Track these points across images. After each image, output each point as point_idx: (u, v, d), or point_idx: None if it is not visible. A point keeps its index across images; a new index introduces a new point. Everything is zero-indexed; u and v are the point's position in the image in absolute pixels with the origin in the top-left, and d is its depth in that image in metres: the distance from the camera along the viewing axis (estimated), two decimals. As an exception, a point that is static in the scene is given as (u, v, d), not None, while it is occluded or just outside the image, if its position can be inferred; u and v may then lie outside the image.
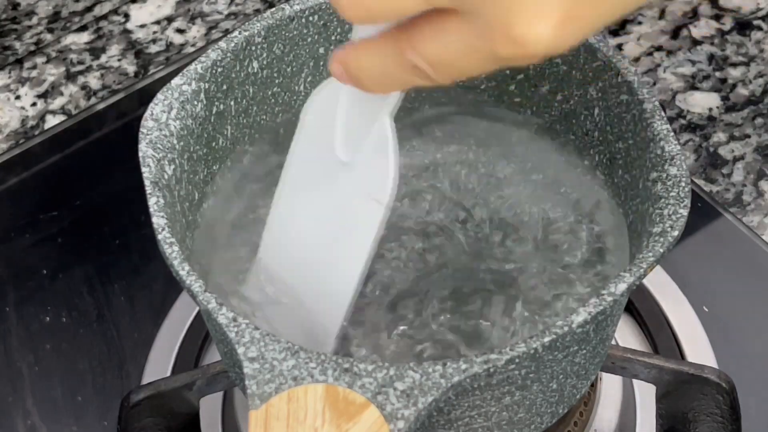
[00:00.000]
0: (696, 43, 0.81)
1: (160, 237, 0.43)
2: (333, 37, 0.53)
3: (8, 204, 0.75)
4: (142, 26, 0.85)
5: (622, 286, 0.41)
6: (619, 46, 0.81)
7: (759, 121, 0.75)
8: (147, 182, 0.45)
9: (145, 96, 0.80)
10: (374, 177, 0.41)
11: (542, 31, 0.32)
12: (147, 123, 0.47)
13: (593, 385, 0.58)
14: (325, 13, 0.52)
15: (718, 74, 0.79)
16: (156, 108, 0.47)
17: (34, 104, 0.80)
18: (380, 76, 0.36)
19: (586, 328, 0.42)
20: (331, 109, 0.41)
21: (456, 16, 0.33)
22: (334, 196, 0.43)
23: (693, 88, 0.78)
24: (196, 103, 0.48)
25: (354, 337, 0.47)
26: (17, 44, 0.83)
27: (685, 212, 0.43)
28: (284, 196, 0.46)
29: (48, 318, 0.68)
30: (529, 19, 0.32)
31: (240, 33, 0.50)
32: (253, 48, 0.51)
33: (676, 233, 0.42)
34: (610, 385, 0.59)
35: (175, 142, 0.47)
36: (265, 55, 0.51)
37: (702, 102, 0.77)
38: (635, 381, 0.60)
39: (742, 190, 0.72)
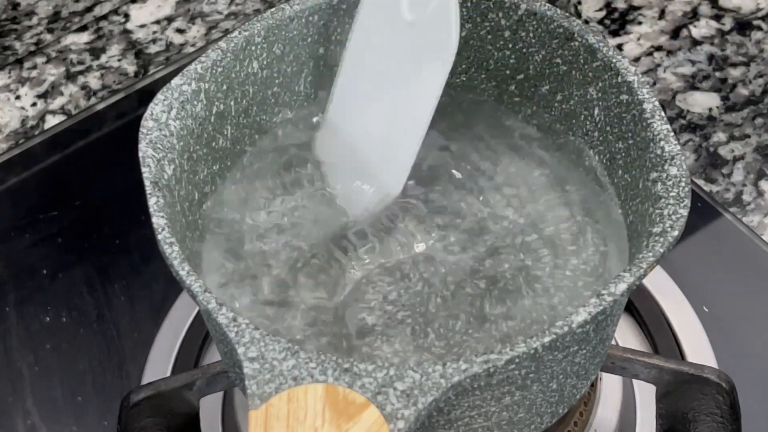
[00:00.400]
0: (696, 43, 0.81)
1: (160, 237, 0.43)
2: (333, 37, 0.53)
3: (8, 204, 0.75)
4: (142, 26, 0.85)
5: (622, 286, 0.41)
6: (619, 46, 0.81)
7: (759, 121, 0.75)
8: (147, 182, 0.45)
9: (145, 96, 0.80)
10: (437, 35, 0.44)
11: None
12: (147, 123, 0.47)
13: (593, 385, 0.58)
14: (325, 13, 0.52)
15: (718, 74, 0.79)
16: (156, 108, 0.47)
17: (34, 104, 0.80)
18: None
19: (586, 328, 0.42)
20: None
21: None
22: (400, 54, 0.46)
23: (693, 88, 0.78)
24: (196, 103, 0.48)
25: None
26: (17, 44, 0.83)
27: (685, 212, 0.43)
28: (352, 53, 0.49)
29: (48, 318, 0.68)
30: None
31: (240, 33, 0.50)
32: (253, 48, 0.51)
33: (676, 233, 0.42)
34: (610, 385, 0.59)
35: (175, 142, 0.47)
36: (265, 55, 0.51)
37: (702, 102, 0.77)
38: (635, 381, 0.60)
39: (742, 190, 0.72)
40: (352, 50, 0.49)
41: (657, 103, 0.47)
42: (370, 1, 0.47)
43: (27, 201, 0.75)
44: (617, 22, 0.83)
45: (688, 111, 0.76)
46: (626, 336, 0.64)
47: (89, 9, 0.85)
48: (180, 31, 0.85)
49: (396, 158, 0.48)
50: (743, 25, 0.82)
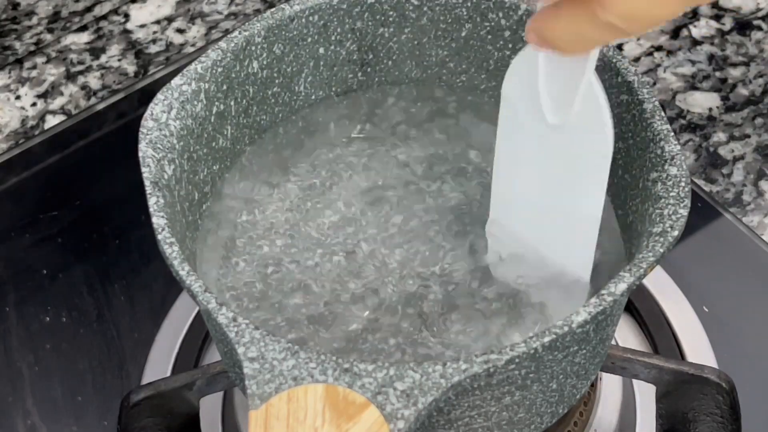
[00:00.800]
0: (696, 43, 0.81)
1: (160, 237, 0.43)
2: (333, 37, 0.53)
3: (8, 204, 0.75)
4: (142, 26, 0.85)
5: (622, 286, 0.41)
6: (619, 46, 0.81)
7: (759, 121, 0.75)
8: (147, 182, 0.45)
9: (145, 96, 0.80)
10: (590, 132, 0.43)
11: None
12: (147, 123, 0.47)
13: (593, 385, 0.58)
14: (325, 13, 0.52)
15: (718, 74, 0.79)
16: (156, 108, 0.47)
17: (34, 104, 0.80)
18: (576, 38, 0.38)
19: (586, 328, 0.42)
20: (532, 78, 0.43)
21: None
22: (552, 158, 0.45)
23: (693, 88, 0.78)
24: (196, 103, 0.48)
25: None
26: (17, 44, 0.83)
27: (685, 212, 0.43)
28: (502, 167, 0.48)
29: (48, 318, 0.68)
30: None
31: (240, 33, 0.50)
32: (253, 48, 0.51)
33: (676, 233, 0.42)
34: (610, 385, 0.59)
35: (175, 142, 0.47)
36: (265, 55, 0.51)
37: (702, 102, 0.77)
38: (635, 381, 0.60)
39: (742, 190, 0.72)
40: (501, 154, 0.48)
41: (657, 103, 0.47)
42: (508, 114, 0.46)
43: (27, 201, 0.75)
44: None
45: (688, 111, 0.76)
46: (626, 336, 0.64)
47: (89, 9, 0.85)
48: (180, 31, 0.85)
49: (576, 247, 0.47)
50: (743, 25, 0.82)
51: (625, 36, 0.37)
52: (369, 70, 0.55)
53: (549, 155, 0.45)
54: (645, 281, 0.58)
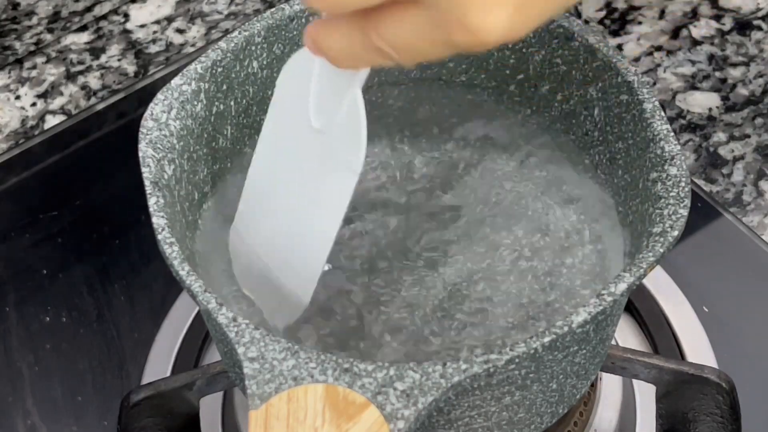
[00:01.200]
0: (696, 43, 0.81)
1: (160, 237, 0.43)
2: (333, 37, 0.53)
3: (8, 204, 0.75)
4: (142, 26, 0.85)
5: (622, 286, 0.41)
6: (619, 46, 0.81)
7: (759, 121, 0.75)
8: (147, 182, 0.45)
9: (145, 96, 0.80)
10: (346, 145, 0.42)
11: (496, 20, 0.34)
12: (147, 123, 0.47)
13: (593, 385, 0.58)
14: (325, 13, 0.52)
15: (718, 74, 0.79)
16: (156, 108, 0.47)
17: (34, 104, 0.80)
18: (348, 54, 0.38)
19: (586, 328, 0.42)
20: (306, 77, 0.43)
21: (415, 5, 0.35)
22: (308, 163, 0.44)
23: (693, 88, 0.78)
24: (196, 103, 0.49)
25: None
26: (17, 44, 0.83)
27: (685, 212, 0.43)
28: (260, 160, 0.47)
29: (48, 318, 0.68)
30: (484, 8, 0.34)
31: (240, 33, 0.50)
32: (253, 48, 0.51)
33: (676, 233, 0.42)
34: (610, 385, 0.59)
35: (175, 142, 0.47)
36: (265, 55, 0.51)
37: (702, 102, 0.77)
38: (635, 381, 0.60)
39: (742, 190, 0.72)
40: (260, 156, 0.47)
41: (657, 103, 0.47)
42: (278, 107, 0.45)
43: (27, 201, 0.75)
44: (617, 22, 0.83)
45: (688, 111, 0.76)
46: (626, 336, 0.64)
47: (89, 9, 0.85)
48: (180, 31, 0.85)
49: (303, 270, 0.46)
50: (743, 25, 0.82)
51: (394, 63, 0.37)
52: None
53: (305, 160, 0.45)
54: (645, 281, 0.58)
